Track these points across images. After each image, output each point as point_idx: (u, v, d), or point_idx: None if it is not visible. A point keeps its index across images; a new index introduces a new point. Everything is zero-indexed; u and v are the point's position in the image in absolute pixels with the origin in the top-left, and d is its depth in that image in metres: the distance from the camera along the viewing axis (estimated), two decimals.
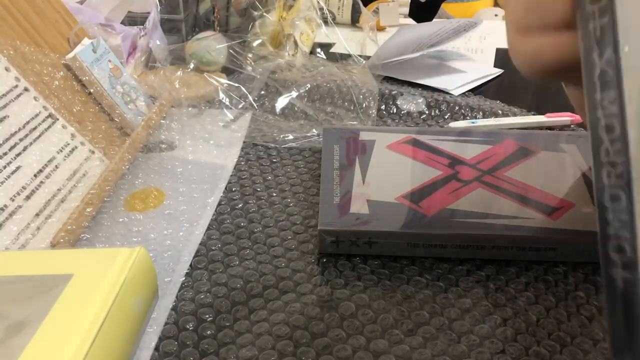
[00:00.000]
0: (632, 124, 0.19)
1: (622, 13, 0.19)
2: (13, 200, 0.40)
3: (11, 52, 0.46)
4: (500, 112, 0.65)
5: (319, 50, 0.77)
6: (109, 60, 0.56)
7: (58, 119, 0.47)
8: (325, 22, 0.77)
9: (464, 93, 0.71)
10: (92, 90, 0.53)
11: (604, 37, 0.20)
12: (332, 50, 0.78)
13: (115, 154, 0.50)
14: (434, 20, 0.93)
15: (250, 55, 0.71)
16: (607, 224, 0.21)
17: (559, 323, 0.36)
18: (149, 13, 0.68)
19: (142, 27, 0.67)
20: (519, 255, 0.41)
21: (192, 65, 0.68)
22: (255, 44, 0.72)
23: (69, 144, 0.47)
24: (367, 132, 0.55)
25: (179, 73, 0.66)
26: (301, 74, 0.68)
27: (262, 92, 0.65)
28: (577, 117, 0.63)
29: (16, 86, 0.44)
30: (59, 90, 0.49)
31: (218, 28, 0.76)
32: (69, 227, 0.42)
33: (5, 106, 0.43)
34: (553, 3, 0.24)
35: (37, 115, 0.45)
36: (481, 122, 0.62)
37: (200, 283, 0.39)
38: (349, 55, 0.75)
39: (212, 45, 0.68)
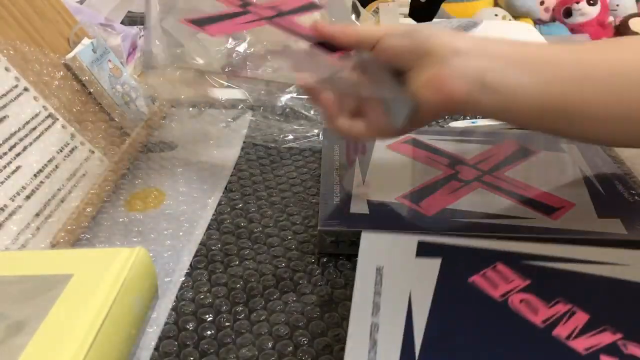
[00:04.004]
0: None
1: None
2: (13, 200, 0.40)
3: (11, 52, 0.45)
4: None
5: None
6: (109, 60, 0.56)
7: (58, 119, 0.47)
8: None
9: None
10: (92, 90, 0.53)
11: None
12: None
13: (115, 154, 0.50)
14: (434, 20, 0.93)
15: (250, 55, 0.71)
16: None
17: None
18: None
19: (142, 26, 0.67)
20: None
21: (191, 65, 0.68)
22: (255, 44, 0.72)
23: (68, 144, 0.47)
24: None
25: (178, 73, 0.66)
26: None
27: (262, 92, 0.65)
28: None
29: (16, 86, 0.44)
30: (58, 90, 0.49)
31: None
32: (69, 227, 0.42)
33: (5, 106, 0.43)
34: None
35: (36, 115, 0.45)
36: (481, 122, 0.62)
37: (200, 283, 0.39)
38: None
39: (212, 45, 0.68)
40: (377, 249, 0.36)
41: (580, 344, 0.27)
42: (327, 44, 0.40)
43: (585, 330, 0.28)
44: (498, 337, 0.29)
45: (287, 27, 0.42)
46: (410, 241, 0.36)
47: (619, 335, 0.28)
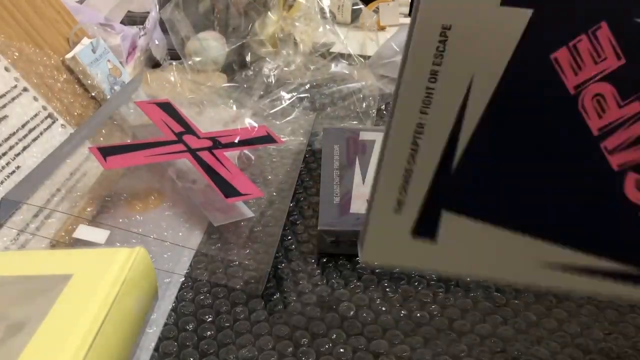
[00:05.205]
0: None
1: None
2: None
3: (10, 52, 0.45)
4: None
5: (318, 50, 0.77)
6: (108, 60, 0.56)
7: (57, 119, 0.47)
8: (325, 22, 0.77)
9: None
10: (91, 91, 0.53)
11: None
12: (332, 50, 0.78)
13: None
14: None
15: (249, 55, 0.71)
16: None
17: (560, 323, 0.36)
18: (148, 12, 0.68)
19: (141, 26, 0.67)
20: None
21: (191, 65, 0.68)
22: (255, 44, 0.72)
23: None
24: (367, 132, 0.54)
25: (178, 73, 0.66)
26: (301, 73, 0.68)
27: (262, 93, 0.65)
28: None
29: (15, 86, 0.44)
30: (58, 91, 0.49)
31: (218, 28, 0.76)
32: (69, 227, 0.42)
33: (4, 106, 0.43)
34: None
35: (36, 115, 0.45)
36: None
37: (200, 283, 0.39)
38: (349, 55, 0.75)
39: (212, 45, 0.68)
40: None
41: (617, 160, 0.23)
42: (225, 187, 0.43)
43: (637, 141, 0.23)
44: (545, 152, 0.23)
45: (208, 163, 0.45)
46: None
47: None
